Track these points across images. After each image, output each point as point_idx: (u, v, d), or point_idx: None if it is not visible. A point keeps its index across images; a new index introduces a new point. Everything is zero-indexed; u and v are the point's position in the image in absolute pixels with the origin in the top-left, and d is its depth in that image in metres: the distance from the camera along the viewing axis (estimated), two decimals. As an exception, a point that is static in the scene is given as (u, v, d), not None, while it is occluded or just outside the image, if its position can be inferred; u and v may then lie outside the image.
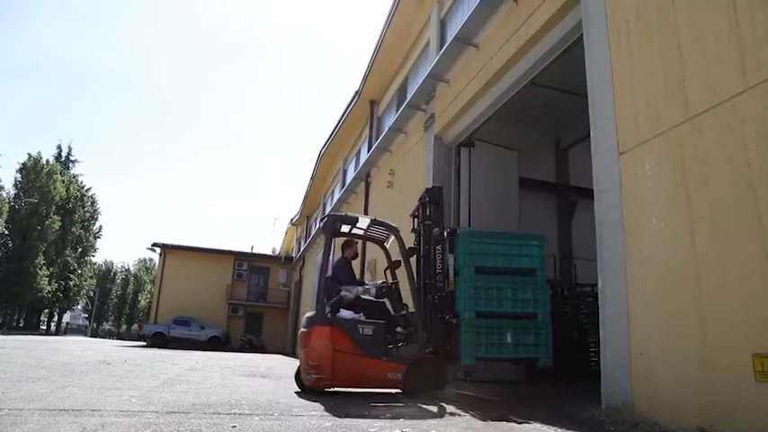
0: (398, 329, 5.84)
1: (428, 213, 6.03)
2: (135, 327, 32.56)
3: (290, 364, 12.56)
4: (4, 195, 36.48)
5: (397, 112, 11.42)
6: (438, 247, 5.81)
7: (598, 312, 4.57)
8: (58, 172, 40.00)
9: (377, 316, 5.63)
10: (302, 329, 5.67)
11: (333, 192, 21.28)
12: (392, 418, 3.82)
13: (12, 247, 37.01)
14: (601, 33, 4.87)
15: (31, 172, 38.00)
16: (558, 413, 4.39)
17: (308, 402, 4.52)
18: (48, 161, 39.85)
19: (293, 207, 58.08)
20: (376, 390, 5.46)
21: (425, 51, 11.12)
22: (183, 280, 29.41)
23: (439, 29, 10.28)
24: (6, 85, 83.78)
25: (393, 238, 6.24)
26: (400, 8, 11.37)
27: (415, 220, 6.40)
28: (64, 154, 46.44)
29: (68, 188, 41.23)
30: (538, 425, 3.81)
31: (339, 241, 6.38)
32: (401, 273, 6.07)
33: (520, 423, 3.88)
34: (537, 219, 10.24)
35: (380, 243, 6.66)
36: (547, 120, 10.99)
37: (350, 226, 6.24)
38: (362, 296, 5.81)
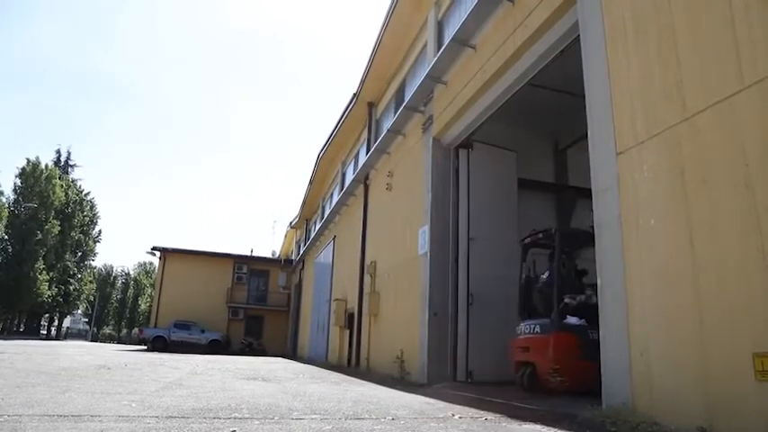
0: None
1: None
2: (135, 331, 32.44)
3: (291, 368, 12.55)
4: (4, 200, 36.58)
5: (395, 113, 11.41)
6: None
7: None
8: (58, 177, 40.08)
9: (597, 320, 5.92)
10: (534, 335, 6.11)
11: (332, 194, 21.28)
12: (393, 419, 3.82)
13: (11, 252, 37.07)
14: (597, 34, 4.88)
15: (31, 177, 38.10)
16: (557, 414, 4.39)
17: (308, 406, 4.52)
18: (47, 166, 39.98)
19: (292, 209, 58.18)
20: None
21: (423, 53, 11.12)
22: (183, 284, 29.43)
23: (436, 30, 10.29)
24: (5, 89, 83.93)
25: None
26: (397, 10, 11.38)
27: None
28: (63, 158, 46.68)
29: (67, 193, 41.32)
30: (538, 426, 3.80)
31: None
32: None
33: (520, 424, 3.87)
34: (536, 219, 10.21)
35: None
36: (545, 120, 11.00)
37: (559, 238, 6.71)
38: (585, 302, 6.13)
